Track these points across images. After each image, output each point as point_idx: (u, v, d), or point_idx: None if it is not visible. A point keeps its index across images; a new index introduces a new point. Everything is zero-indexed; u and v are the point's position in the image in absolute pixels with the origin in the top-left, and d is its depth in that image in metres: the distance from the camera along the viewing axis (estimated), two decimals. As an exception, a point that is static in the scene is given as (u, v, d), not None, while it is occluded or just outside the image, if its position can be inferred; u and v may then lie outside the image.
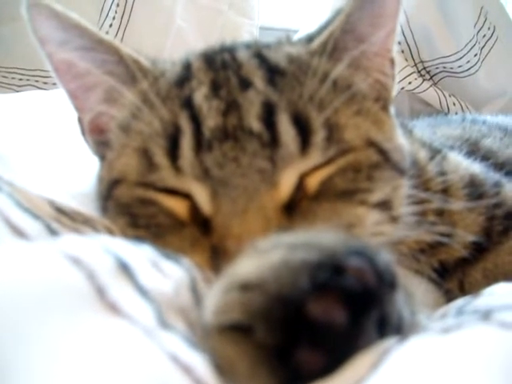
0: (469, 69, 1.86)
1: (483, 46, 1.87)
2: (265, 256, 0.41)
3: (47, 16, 0.67)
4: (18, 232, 0.47)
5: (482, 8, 1.84)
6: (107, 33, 1.81)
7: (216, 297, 0.41)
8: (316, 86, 0.64)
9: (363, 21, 0.69)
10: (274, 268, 0.40)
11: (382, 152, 0.67)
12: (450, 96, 1.84)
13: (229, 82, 0.65)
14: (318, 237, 0.43)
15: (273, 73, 0.65)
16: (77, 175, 0.80)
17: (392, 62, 0.74)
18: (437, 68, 1.88)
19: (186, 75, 0.68)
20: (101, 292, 0.38)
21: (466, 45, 1.84)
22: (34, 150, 0.86)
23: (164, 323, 0.38)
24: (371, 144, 0.66)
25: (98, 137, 0.74)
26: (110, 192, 0.68)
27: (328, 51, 0.67)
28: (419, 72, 1.88)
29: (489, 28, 1.87)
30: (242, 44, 0.75)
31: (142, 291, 0.40)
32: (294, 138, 0.61)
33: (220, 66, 0.68)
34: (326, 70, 0.66)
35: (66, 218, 0.58)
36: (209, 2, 2.00)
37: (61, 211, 0.58)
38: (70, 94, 0.73)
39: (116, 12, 1.84)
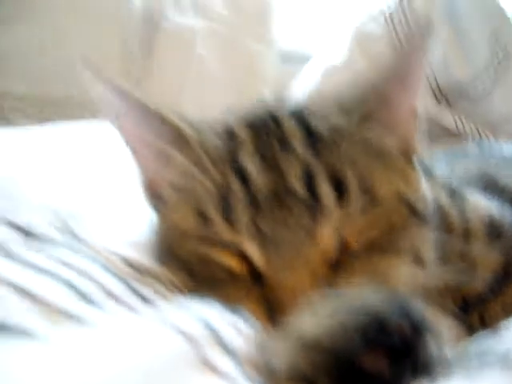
0: (484, 92, 1.92)
1: (497, 69, 1.92)
2: (324, 319, 0.52)
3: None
4: (112, 295, 0.56)
5: (494, 30, 1.90)
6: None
7: (285, 351, 0.51)
8: (351, 148, 0.72)
9: (392, 84, 0.75)
10: (333, 330, 0.50)
11: (410, 205, 0.74)
12: (466, 120, 1.90)
13: (272, 147, 0.73)
14: (365, 299, 0.53)
15: (313, 138, 0.73)
16: (129, 223, 0.86)
17: (416, 115, 0.81)
18: (453, 93, 1.94)
19: (230, 140, 0.75)
20: (204, 359, 0.47)
21: (481, 69, 1.90)
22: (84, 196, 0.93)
23: (248, 378, 0.48)
24: (400, 198, 0.74)
25: (153, 191, 0.81)
26: (165, 245, 0.75)
27: (363, 118, 0.75)
28: (436, 97, 1.94)
29: (502, 50, 1.92)
30: (287, 109, 0.80)
31: (230, 352, 0.49)
32: (333, 199, 0.68)
33: (264, 131, 0.75)
34: (361, 133, 0.74)
35: (136, 273, 0.66)
36: (226, 29, 2.10)
37: (132, 266, 0.67)
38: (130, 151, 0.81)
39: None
